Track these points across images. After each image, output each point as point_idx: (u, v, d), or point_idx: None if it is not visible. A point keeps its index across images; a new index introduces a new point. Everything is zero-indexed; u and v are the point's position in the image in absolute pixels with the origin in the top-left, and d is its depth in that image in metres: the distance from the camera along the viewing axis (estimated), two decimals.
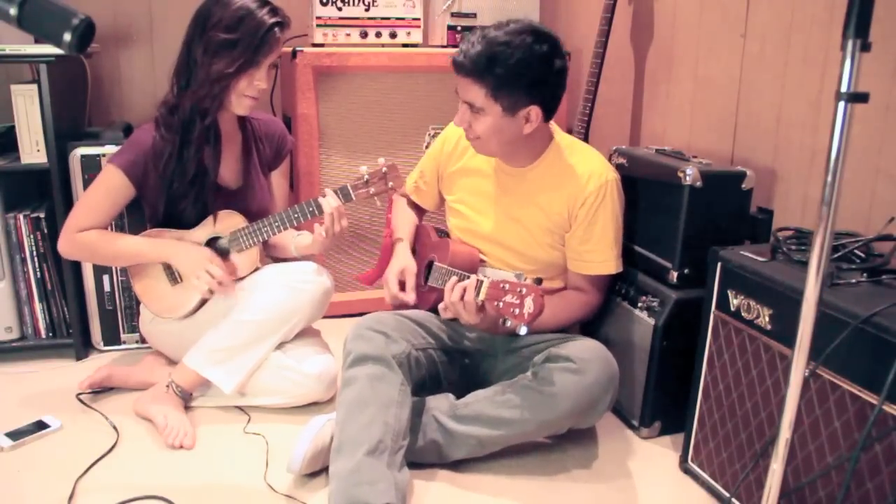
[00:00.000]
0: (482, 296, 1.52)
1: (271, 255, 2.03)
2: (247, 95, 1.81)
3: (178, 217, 1.87)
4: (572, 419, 1.62)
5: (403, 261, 1.82)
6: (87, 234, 1.81)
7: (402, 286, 1.78)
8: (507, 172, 1.77)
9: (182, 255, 1.84)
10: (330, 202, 1.77)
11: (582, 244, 1.73)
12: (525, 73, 1.56)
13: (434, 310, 1.80)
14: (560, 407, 1.57)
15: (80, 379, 1.93)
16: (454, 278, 1.59)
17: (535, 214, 1.75)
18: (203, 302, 1.89)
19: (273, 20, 1.75)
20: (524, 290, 1.46)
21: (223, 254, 1.89)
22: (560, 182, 1.72)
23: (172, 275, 1.89)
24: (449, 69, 2.55)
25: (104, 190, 1.82)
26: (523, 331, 1.46)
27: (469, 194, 1.84)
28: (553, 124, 1.77)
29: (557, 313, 1.73)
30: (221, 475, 1.62)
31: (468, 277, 1.58)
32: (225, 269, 1.82)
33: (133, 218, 2.04)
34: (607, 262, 1.75)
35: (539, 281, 1.48)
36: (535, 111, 1.61)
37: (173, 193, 1.83)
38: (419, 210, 2.02)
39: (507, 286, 1.48)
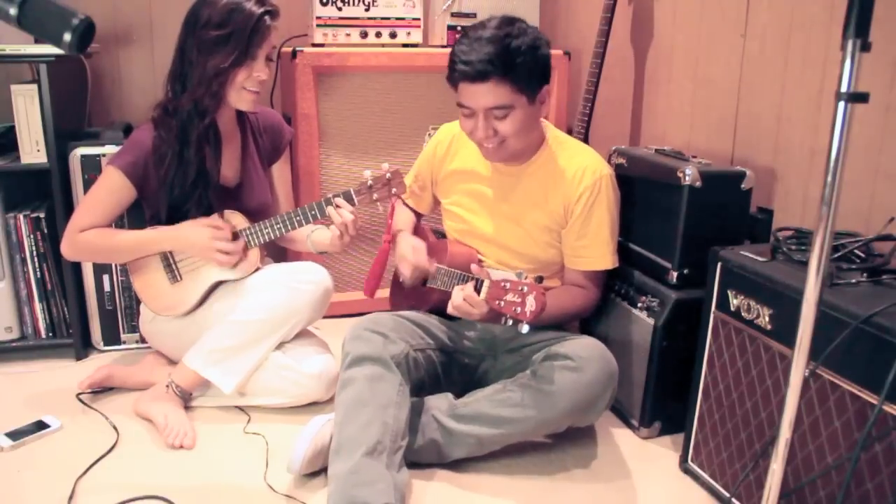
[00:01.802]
0: (483, 295, 1.52)
1: (285, 247, 2.04)
2: (247, 89, 1.81)
3: (182, 219, 1.86)
4: (571, 417, 1.62)
5: (411, 240, 1.81)
6: (87, 233, 1.81)
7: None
8: (504, 172, 1.77)
9: (183, 238, 1.82)
10: (345, 214, 1.74)
11: (578, 240, 1.74)
12: (537, 55, 1.59)
13: (433, 310, 1.80)
14: (559, 405, 1.57)
15: (80, 379, 1.93)
16: (458, 284, 1.59)
17: (533, 212, 1.75)
18: (203, 299, 1.89)
19: (262, 10, 1.76)
20: (525, 289, 1.46)
21: None
22: (556, 178, 1.72)
23: (172, 272, 1.89)
24: None
25: (105, 191, 1.82)
26: (525, 329, 1.46)
27: (465, 196, 1.84)
28: (545, 121, 1.77)
29: (562, 302, 1.73)
30: (221, 475, 1.62)
31: (470, 279, 1.58)
32: (230, 237, 1.81)
33: (133, 218, 2.03)
34: (603, 257, 1.75)
35: (540, 279, 1.48)
36: (546, 90, 1.65)
37: (176, 198, 1.82)
38: (415, 214, 2.02)
39: (508, 285, 1.48)
